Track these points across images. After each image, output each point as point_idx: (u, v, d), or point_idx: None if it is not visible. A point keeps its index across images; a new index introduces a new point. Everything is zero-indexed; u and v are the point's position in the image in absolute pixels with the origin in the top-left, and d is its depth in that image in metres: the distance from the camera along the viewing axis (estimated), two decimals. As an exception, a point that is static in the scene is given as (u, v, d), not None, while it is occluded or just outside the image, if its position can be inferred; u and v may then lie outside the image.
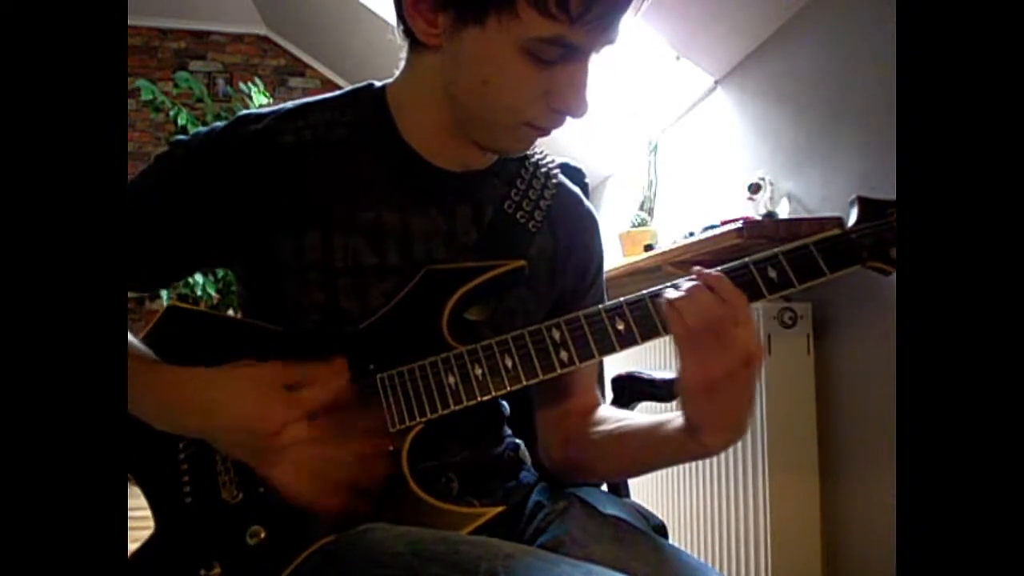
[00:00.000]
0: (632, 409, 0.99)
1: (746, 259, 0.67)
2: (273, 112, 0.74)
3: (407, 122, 0.73)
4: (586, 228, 0.82)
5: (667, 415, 0.70)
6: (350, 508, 0.64)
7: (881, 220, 0.67)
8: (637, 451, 0.73)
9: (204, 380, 0.66)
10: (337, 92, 0.76)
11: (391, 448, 0.67)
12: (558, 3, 0.58)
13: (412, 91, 0.73)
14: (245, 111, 0.75)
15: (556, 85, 0.64)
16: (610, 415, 0.79)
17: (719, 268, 0.66)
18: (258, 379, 0.65)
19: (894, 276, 0.66)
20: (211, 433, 0.66)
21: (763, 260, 0.66)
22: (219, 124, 0.73)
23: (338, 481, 0.64)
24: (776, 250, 0.66)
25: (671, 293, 0.64)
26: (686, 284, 0.64)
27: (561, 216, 0.80)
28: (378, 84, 0.76)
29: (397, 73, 0.74)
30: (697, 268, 0.65)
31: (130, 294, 0.77)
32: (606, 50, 0.65)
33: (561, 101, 0.65)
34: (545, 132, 0.68)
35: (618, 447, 0.74)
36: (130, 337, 0.69)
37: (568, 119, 0.68)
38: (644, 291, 0.67)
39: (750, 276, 0.66)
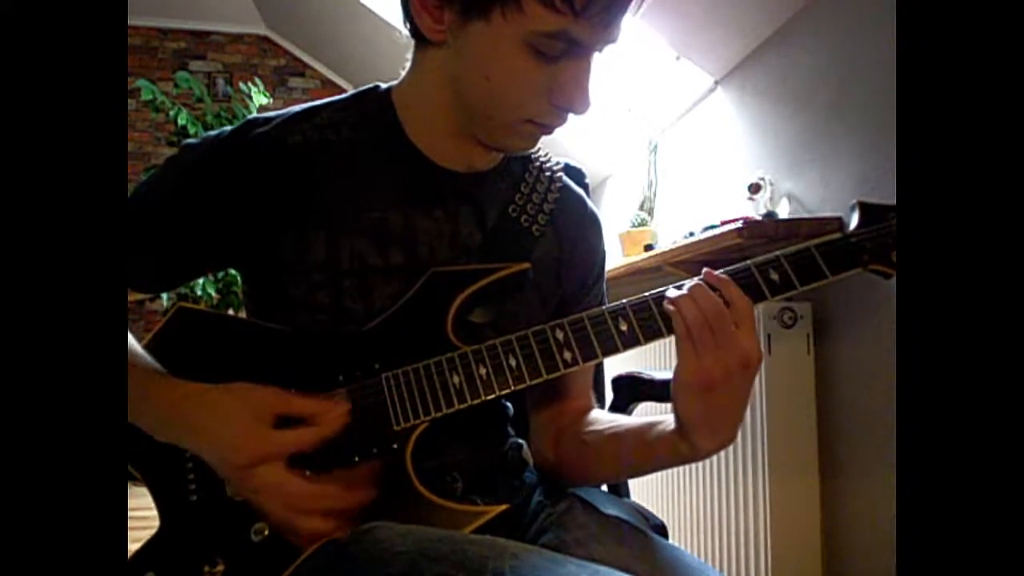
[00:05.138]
0: (632, 409, 1.00)
1: (748, 262, 0.67)
2: (280, 115, 0.74)
3: (413, 122, 0.73)
4: (590, 230, 0.83)
5: (659, 417, 0.70)
6: (332, 531, 0.63)
7: (882, 224, 0.67)
8: (628, 452, 0.73)
9: (195, 399, 0.65)
10: (343, 95, 0.77)
11: (395, 447, 0.67)
12: None
13: (418, 90, 0.73)
14: (253, 115, 0.75)
15: (559, 81, 0.64)
16: (603, 417, 0.79)
17: (721, 270, 0.67)
18: (251, 406, 0.64)
19: (894, 278, 0.66)
20: (199, 453, 0.66)
21: (765, 263, 0.67)
22: (228, 128, 0.73)
23: (317, 512, 0.63)
24: (778, 253, 0.67)
25: (672, 292, 0.65)
26: (689, 283, 0.65)
27: (565, 219, 0.80)
28: (384, 86, 0.76)
29: (403, 74, 0.75)
30: (706, 269, 0.66)
31: (133, 295, 0.77)
32: (607, 49, 0.65)
33: (564, 97, 0.65)
34: (548, 130, 0.69)
35: (609, 448, 0.74)
36: (136, 346, 0.69)
37: (570, 117, 0.68)
38: (647, 292, 0.68)
39: (752, 278, 0.66)
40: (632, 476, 0.76)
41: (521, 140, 0.70)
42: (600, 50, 0.65)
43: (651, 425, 0.70)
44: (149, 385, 0.66)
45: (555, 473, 0.81)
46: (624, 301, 0.68)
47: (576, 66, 0.64)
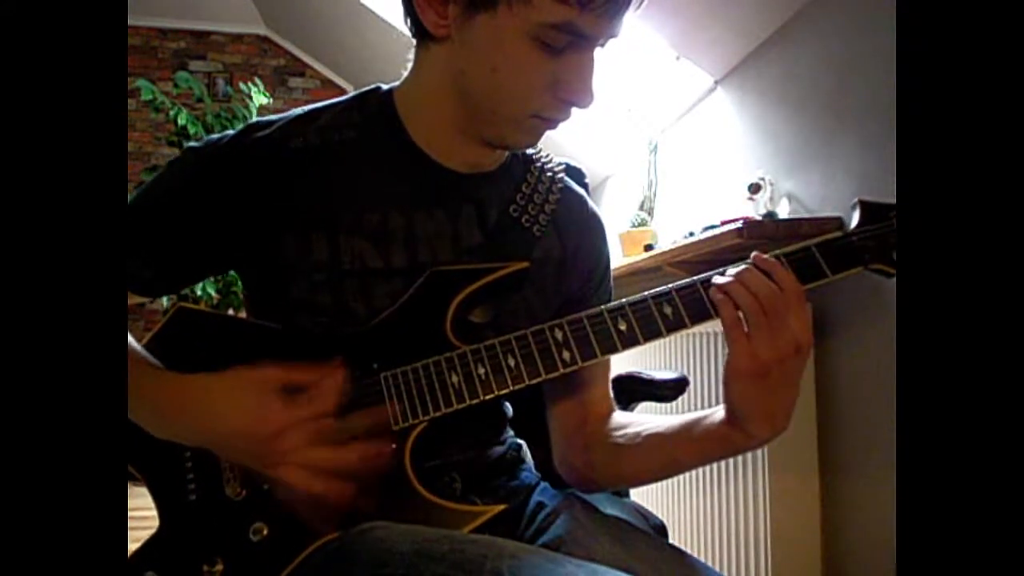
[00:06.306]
0: (632, 410, 1.00)
1: (748, 261, 0.67)
2: (282, 119, 0.74)
3: (415, 122, 0.73)
4: (592, 231, 0.83)
5: (700, 412, 0.70)
6: (353, 507, 0.64)
7: (883, 223, 0.67)
8: (673, 450, 0.72)
9: (201, 388, 0.65)
10: (345, 96, 0.77)
11: (394, 446, 0.67)
12: None
13: (420, 89, 0.73)
14: (255, 119, 0.75)
15: (563, 75, 0.64)
16: (631, 419, 0.78)
17: (721, 269, 0.66)
18: (255, 383, 0.64)
19: (895, 277, 0.66)
20: (212, 441, 0.66)
21: None
22: (231, 131, 0.74)
23: (340, 481, 0.64)
24: (778, 252, 0.67)
25: (719, 278, 0.65)
26: (735, 269, 0.64)
27: (567, 219, 0.80)
28: (385, 87, 0.76)
29: (404, 75, 0.75)
30: (756, 253, 0.65)
31: (134, 298, 0.77)
32: (609, 45, 0.66)
33: (568, 91, 0.65)
34: (553, 124, 0.69)
35: (652, 449, 0.73)
36: (131, 342, 0.69)
37: (572, 113, 0.68)
38: (646, 292, 0.68)
39: (805, 260, 0.66)
40: (673, 475, 0.76)
41: (526, 135, 0.70)
42: (603, 44, 0.65)
43: (696, 420, 0.70)
44: (145, 381, 0.66)
45: (585, 480, 0.80)
46: (623, 300, 0.68)
47: (580, 59, 0.64)
